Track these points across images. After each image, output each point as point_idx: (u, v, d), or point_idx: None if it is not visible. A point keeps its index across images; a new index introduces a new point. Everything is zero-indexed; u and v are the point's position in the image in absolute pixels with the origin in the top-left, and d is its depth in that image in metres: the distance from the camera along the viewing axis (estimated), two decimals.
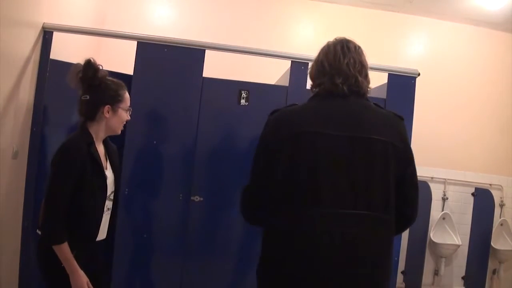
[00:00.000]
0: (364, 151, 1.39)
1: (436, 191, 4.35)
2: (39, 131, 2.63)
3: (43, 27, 2.64)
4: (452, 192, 4.44)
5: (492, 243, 4.23)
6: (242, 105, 2.89)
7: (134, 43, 2.83)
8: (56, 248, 1.69)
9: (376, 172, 1.39)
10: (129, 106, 1.97)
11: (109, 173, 1.91)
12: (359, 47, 1.51)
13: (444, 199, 4.40)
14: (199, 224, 2.88)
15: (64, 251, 1.69)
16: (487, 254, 4.25)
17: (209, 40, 2.99)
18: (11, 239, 2.52)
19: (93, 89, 1.85)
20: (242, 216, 1.56)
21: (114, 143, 2.06)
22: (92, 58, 1.85)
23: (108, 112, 1.87)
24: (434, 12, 4.38)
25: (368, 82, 1.50)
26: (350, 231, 1.37)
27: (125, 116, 1.94)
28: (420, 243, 4.22)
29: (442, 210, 4.37)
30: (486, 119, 4.53)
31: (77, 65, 1.87)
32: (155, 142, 2.83)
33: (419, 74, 2.96)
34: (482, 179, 4.45)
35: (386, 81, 2.94)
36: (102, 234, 1.89)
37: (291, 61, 2.91)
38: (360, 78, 1.46)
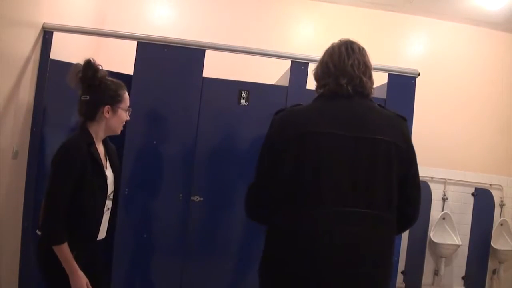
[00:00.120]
0: (367, 151, 1.40)
1: (436, 191, 4.36)
2: (39, 131, 2.63)
3: (43, 27, 2.64)
4: (452, 192, 4.44)
5: (492, 243, 4.23)
6: (242, 105, 2.89)
7: (134, 43, 2.83)
8: (56, 248, 1.69)
9: (379, 172, 1.40)
10: (129, 106, 1.97)
11: (109, 173, 1.91)
12: (363, 49, 1.53)
13: (444, 199, 4.40)
14: (199, 224, 2.88)
15: (64, 251, 1.69)
16: (487, 254, 4.24)
17: (209, 40, 2.99)
18: (11, 239, 2.52)
19: (93, 89, 1.85)
20: (246, 214, 1.58)
21: (113, 143, 2.06)
22: (92, 58, 1.86)
23: (108, 112, 1.87)
24: (434, 12, 4.38)
25: (372, 83, 1.52)
26: (352, 229, 1.38)
27: (124, 116, 1.95)
28: (420, 243, 4.22)
29: (442, 210, 4.37)
30: (486, 119, 4.53)
31: (77, 65, 1.87)
32: (155, 142, 2.83)
33: (419, 74, 2.96)
34: (482, 179, 4.45)
35: (386, 81, 2.94)
36: (102, 234, 1.90)
37: (291, 61, 2.91)
38: (364, 79, 1.48)
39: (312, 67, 2.85)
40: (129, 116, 1.99)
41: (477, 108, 4.53)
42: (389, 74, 2.95)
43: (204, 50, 2.85)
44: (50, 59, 2.67)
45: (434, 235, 4.25)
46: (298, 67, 2.89)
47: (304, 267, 1.39)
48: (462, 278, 4.44)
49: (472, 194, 4.45)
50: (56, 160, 1.77)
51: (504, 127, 4.52)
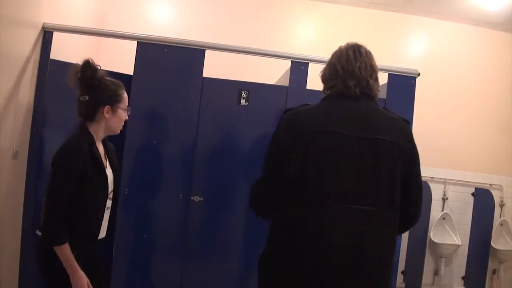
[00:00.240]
0: (372, 150, 1.43)
1: (436, 191, 4.35)
2: (39, 131, 2.63)
3: (43, 27, 2.64)
4: (452, 192, 4.44)
5: (492, 243, 4.22)
6: (242, 105, 2.89)
7: (134, 43, 2.83)
8: (57, 249, 1.70)
9: (383, 172, 1.43)
10: (128, 106, 1.97)
11: (109, 172, 1.92)
12: (370, 52, 1.57)
13: (444, 199, 4.40)
14: (199, 224, 2.88)
15: (65, 252, 1.69)
16: (487, 254, 4.24)
17: (209, 40, 2.99)
18: (11, 239, 2.52)
19: (92, 89, 1.85)
20: (251, 209, 1.59)
21: (113, 143, 2.06)
22: (90, 58, 1.86)
23: (108, 113, 1.88)
24: (434, 12, 4.38)
25: (378, 86, 1.56)
26: (357, 227, 1.40)
27: (124, 116, 1.95)
28: (420, 243, 4.22)
29: (442, 210, 4.37)
30: (486, 119, 4.53)
31: (76, 65, 1.86)
32: (155, 142, 2.83)
33: (419, 74, 2.97)
34: (482, 179, 4.44)
35: (386, 81, 2.94)
36: (102, 233, 1.90)
37: (291, 61, 2.92)
38: (371, 81, 1.52)
39: (312, 67, 2.88)
40: (128, 115, 2.00)
41: (477, 108, 4.53)
42: (389, 74, 2.95)
43: (204, 50, 2.85)
44: (50, 59, 2.67)
45: (434, 235, 4.25)
46: (298, 67, 2.90)
47: (307, 267, 1.40)
48: (462, 278, 4.44)
49: (472, 194, 4.45)
50: (56, 161, 1.77)
51: (504, 127, 4.52)
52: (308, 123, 1.46)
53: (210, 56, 2.87)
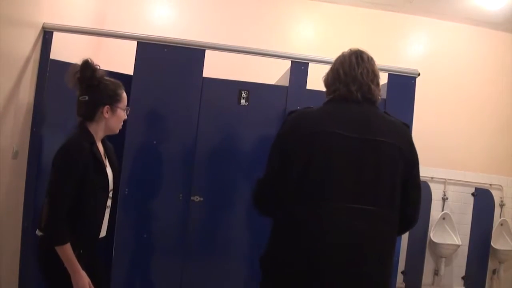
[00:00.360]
0: (372, 152, 1.46)
1: (436, 191, 4.36)
2: (39, 131, 2.63)
3: (43, 27, 2.64)
4: (452, 192, 4.44)
5: (492, 243, 4.23)
6: (242, 105, 2.89)
7: (134, 43, 2.83)
8: (58, 249, 1.70)
9: (383, 172, 1.46)
10: (127, 106, 1.97)
11: (109, 171, 1.92)
12: (372, 58, 1.62)
13: (444, 199, 4.40)
14: (199, 224, 2.88)
15: (66, 251, 1.70)
16: (487, 254, 4.24)
17: (209, 40, 2.99)
18: (11, 239, 2.52)
19: (92, 89, 1.85)
20: (254, 209, 1.62)
21: (113, 143, 2.06)
22: (90, 58, 1.86)
23: (107, 112, 1.88)
24: (434, 12, 4.38)
25: (379, 90, 1.61)
26: (357, 226, 1.42)
27: (123, 115, 1.95)
28: (420, 243, 4.22)
29: (442, 210, 4.37)
30: (486, 119, 4.53)
31: (75, 65, 1.87)
32: (155, 142, 2.83)
33: (419, 74, 2.97)
34: (482, 179, 4.45)
35: (386, 81, 2.94)
36: (102, 232, 1.91)
37: (291, 61, 2.91)
38: (372, 86, 1.56)
39: (312, 67, 2.89)
40: (128, 115, 2.00)
41: (477, 108, 4.53)
42: (389, 74, 2.95)
43: (204, 50, 2.85)
44: (50, 59, 2.67)
45: (434, 235, 4.25)
46: (298, 67, 2.90)
47: (306, 267, 1.42)
48: (462, 278, 4.44)
49: (472, 194, 4.45)
50: (57, 161, 1.77)
51: (504, 127, 4.52)
52: (311, 124, 1.50)
53: (210, 56, 2.87)
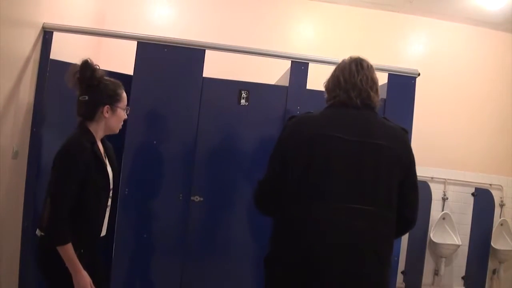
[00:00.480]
0: (371, 155, 1.50)
1: (436, 191, 4.35)
2: (39, 131, 2.63)
3: (43, 27, 2.64)
4: (452, 192, 4.44)
5: (492, 243, 4.23)
6: (242, 105, 2.89)
7: (134, 43, 2.83)
8: (60, 248, 1.70)
9: (381, 175, 1.49)
10: (127, 105, 1.98)
11: (109, 171, 1.92)
12: (371, 66, 1.66)
13: (444, 199, 4.40)
14: (199, 224, 2.88)
15: (68, 251, 1.70)
16: (487, 254, 4.25)
17: (209, 40, 2.98)
18: (11, 239, 2.52)
19: (92, 89, 1.85)
20: (255, 208, 1.67)
21: (113, 143, 2.07)
22: (89, 58, 1.86)
23: (108, 112, 1.88)
24: (434, 12, 4.38)
25: (378, 97, 1.65)
26: (356, 226, 1.44)
27: (123, 115, 1.96)
28: (420, 243, 4.22)
29: (442, 210, 4.37)
30: (486, 119, 4.53)
31: (75, 65, 1.87)
32: (155, 142, 2.83)
33: (419, 74, 2.96)
34: (482, 179, 4.45)
35: (386, 81, 2.94)
36: (103, 231, 1.92)
37: (291, 61, 2.91)
38: (371, 93, 1.61)
39: (312, 67, 2.89)
40: (128, 115, 2.01)
41: (477, 108, 4.53)
42: (389, 74, 2.95)
43: (204, 50, 2.85)
44: (50, 59, 2.67)
45: (434, 235, 4.25)
46: (298, 67, 2.90)
47: (306, 267, 1.43)
48: (462, 278, 4.44)
49: (472, 194, 4.45)
50: (58, 161, 1.77)
51: (504, 127, 4.52)
52: (312, 128, 1.54)
53: (210, 56, 2.87)
